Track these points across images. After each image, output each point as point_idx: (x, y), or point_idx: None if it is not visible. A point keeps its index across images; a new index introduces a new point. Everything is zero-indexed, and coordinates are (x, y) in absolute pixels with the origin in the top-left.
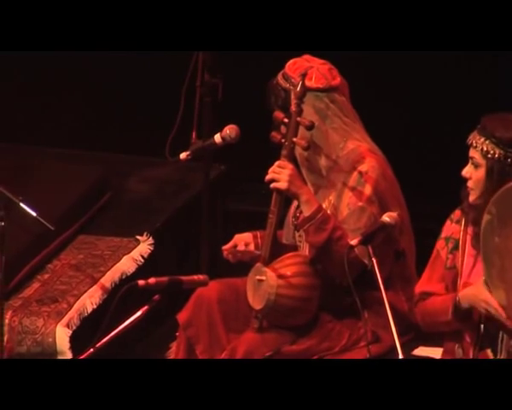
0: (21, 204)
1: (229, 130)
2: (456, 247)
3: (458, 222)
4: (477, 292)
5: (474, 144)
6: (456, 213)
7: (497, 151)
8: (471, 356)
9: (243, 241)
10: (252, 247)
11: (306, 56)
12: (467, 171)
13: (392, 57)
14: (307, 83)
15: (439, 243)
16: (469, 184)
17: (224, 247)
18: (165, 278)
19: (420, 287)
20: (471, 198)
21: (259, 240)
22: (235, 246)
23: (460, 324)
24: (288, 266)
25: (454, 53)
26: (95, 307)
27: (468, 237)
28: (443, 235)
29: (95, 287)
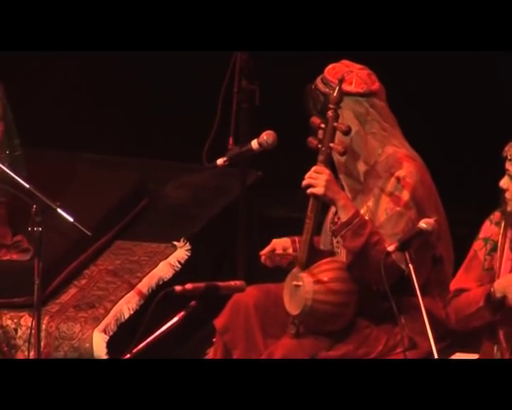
0: (59, 210)
1: (266, 136)
2: (494, 249)
3: (498, 224)
4: None
5: (509, 157)
6: (496, 215)
7: None
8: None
9: (281, 245)
10: (290, 251)
11: (345, 61)
12: (504, 182)
13: (426, 62)
14: (347, 88)
15: (477, 244)
16: (507, 194)
17: (262, 251)
18: (201, 284)
19: (454, 285)
20: (509, 208)
21: (297, 245)
22: (273, 250)
23: (492, 314)
24: (325, 271)
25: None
26: (132, 312)
27: (507, 241)
28: (481, 235)
29: (132, 293)
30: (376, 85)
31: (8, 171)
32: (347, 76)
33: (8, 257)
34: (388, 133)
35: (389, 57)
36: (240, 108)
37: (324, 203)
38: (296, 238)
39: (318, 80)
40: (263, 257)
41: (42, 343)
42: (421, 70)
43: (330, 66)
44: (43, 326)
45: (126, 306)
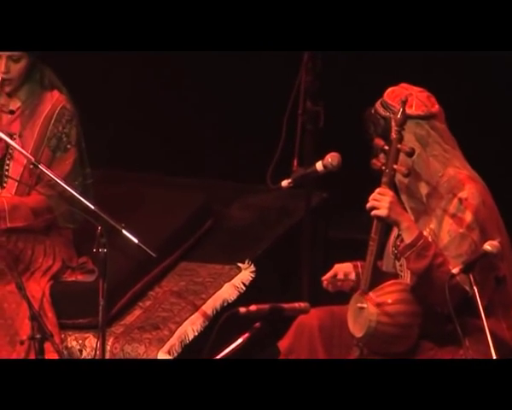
0: (124, 231)
1: (331, 157)
2: None
3: None
4: None
5: None
6: None
7: None
8: None
9: (343, 270)
10: (352, 276)
11: (404, 84)
12: None
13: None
14: (408, 110)
15: None
16: None
17: (324, 277)
18: (266, 306)
19: None
20: None
21: (360, 269)
22: (335, 276)
23: None
24: (389, 293)
25: None
26: (196, 334)
27: None
28: None
29: (196, 314)
30: (436, 107)
31: (79, 197)
32: (407, 99)
33: (73, 278)
34: (450, 155)
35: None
36: (304, 129)
37: (388, 225)
38: (358, 263)
39: (378, 104)
40: (325, 282)
41: None
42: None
43: (389, 89)
44: (108, 347)
45: (191, 327)
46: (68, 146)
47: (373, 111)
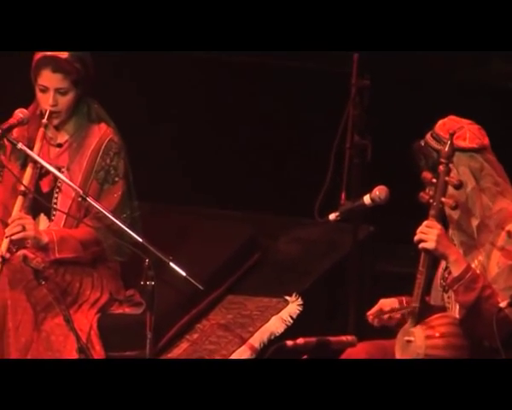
0: (171, 264)
1: (379, 191)
2: None
3: None
4: None
5: None
6: None
7: None
8: None
9: (389, 306)
10: (397, 312)
11: (452, 117)
12: None
13: None
14: (461, 143)
15: None
16: None
17: (369, 312)
18: (313, 339)
19: None
20: None
21: (405, 305)
22: (381, 311)
23: None
24: (437, 326)
25: None
26: None
27: None
28: None
29: (243, 347)
30: (487, 140)
31: (127, 230)
32: (459, 131)
33: (120, 311)
34: (501, 188)
35: None
36: (352, 163)
37: (435, 258)
38: (404, 298)
39: (428, 136)
40: (370, 317)
41: None
42: None
43: (440, 122)
44: None
45: None
46: (116, 179)
47: (423, 143)
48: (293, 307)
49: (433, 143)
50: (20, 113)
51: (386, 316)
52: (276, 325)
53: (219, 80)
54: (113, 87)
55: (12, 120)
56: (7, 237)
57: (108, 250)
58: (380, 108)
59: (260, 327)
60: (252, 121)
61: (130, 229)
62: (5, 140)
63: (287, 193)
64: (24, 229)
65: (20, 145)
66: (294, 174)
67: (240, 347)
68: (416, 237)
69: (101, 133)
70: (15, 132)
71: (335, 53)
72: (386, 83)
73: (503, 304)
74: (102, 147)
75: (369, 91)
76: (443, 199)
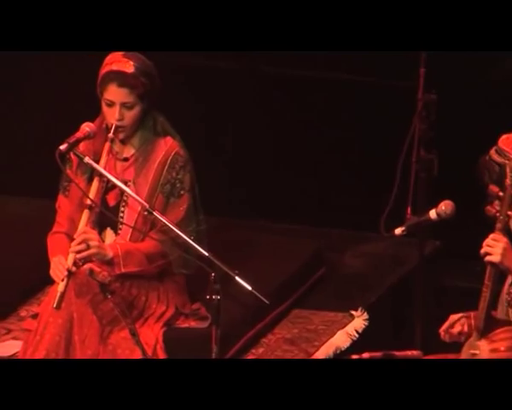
0: (237, 278)
1: (445, 206)
2: None
3: None
4: None
5: None
6: None
7: None
8: None
9: (458, 321)
10: (465, 328)
11: None
12: None
13: None
14: None
15: None
16: None
17: (441, 328)
18: (378, 353)
19: None
20: None
21: (472, 320)
22: (451, 326)
23: None
24: (502, 340)
25: None
26: None
27: None
28: None
29: None
30: None
31: (193, 243)
32: None
33: (186, 325)
34: None
35: None
36: (418, 177)
37: (502, 272)
38: (471, 313)
39: (492, 151)
40: (442, 333)
41: None
42: None
43: (504, 136)
44: None
45: None
46: (182, 192)
47: (487, 158)
48: (359, 321)
49: (497, 158)
50: (86, 127)
51: (456, 331)
52: (341, 339)
53: (282, 94)
54: (176, 101)
55: (78, 134)
56: (72, 253)
57: (174, 263)
58: (446, 122)
59: (326, 342)
60: (318, 136)
61: (195, 242)
62: (72, 154)
63: (353, 207)
64: (88, 247)
65: (86, 159)
66: (361, 189)
67: None
68: (482, 251)
69: (167, 147)
70: (82, 146)
71: (402, 67)
72: (453, 97)
73: None
74: (168, 160)
75: (436, 106)
76: (509, 212)
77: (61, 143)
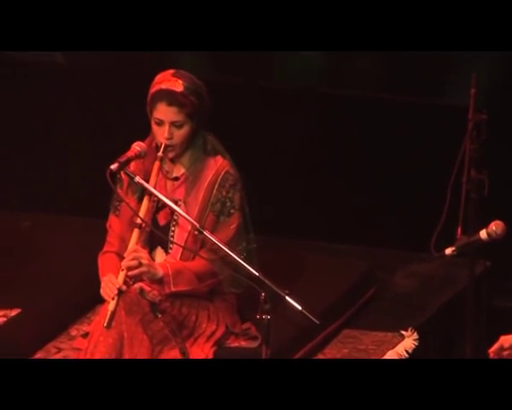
0: (287, 298)
1: (495, 226)
2: None
3: None
4: None
5: None
6: None
7: None
8: None
9: (509, 342)
10: None
11: None
12: None
13: None
14: None
15: None
16: None
17: (490, 349)
18: None
19: None
20: None
21: None
22: (501, 348)
23: None
24: None
25: None
26: None
27: None
28: None
29: None
30: None
31: (243, 263)
32: None
33: (236, 344)
34: None
35: None
36: (468, 197)
37: None
38: None
39: None
40: (491, 354)
41: None
42: None
43: None
44: None
45: None
46: (232, 211)
47: None
48: (409, 341)
49: None
50: (137, 146)
51: (506, 353)
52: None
53: (335, 115)
54: (227, 119)
55: (129, 154)
56: (123, 270)
57: (225, 282)
58: (497, 141)
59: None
60: (369, 156)
61: (245, 261)
62: (122, 173)
63: (403, 227)
64: (139, 264)
65: (137, 179)
66: (411, 209)
67: None
68: None
69: (218, 166)
70: (132, 166)
71: (452, 88)
72: (503, 117)
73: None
74: (219, 179)
75: (487, 125)
76: None
77: (112, 163)
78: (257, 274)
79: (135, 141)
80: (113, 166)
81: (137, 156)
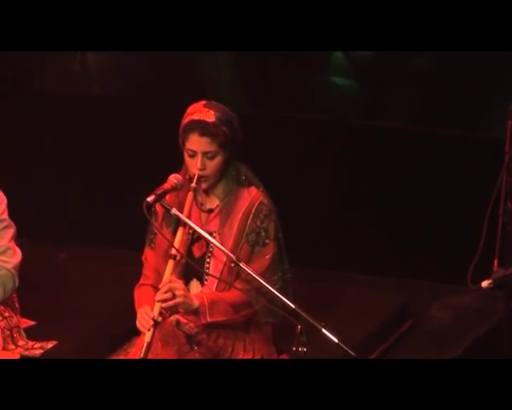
0: (323, 330)
1: None
2: None
3: None
4: None
5: None
6: None
7: None
8: None
9: None
10: None
11: None
12: None
13: None
14: None
15: None
16: None
17: None
18: None
19: None
20: None
21: None
22: None
23: None
24: None
25: None
26: None
27: None
28: None
29: None
30: None
31: (276, 292)
32: None
33: None
34: None
35: None
36: (505, 230)
37: None
38: None
39: None
40: None
41: None
42: None
43: None
44: None
45: None
46: (267, 241)
47: None
48: None
49: None
50: (174, 178)
51: None
52: None
53: (371, 146)
54: (260, 150)
55: (166, 186)
56: (158, 302)
57: (260, 312)
58: None
59: None
60: (405, 190)
61: (281, 292)
62: (157, 206)
63: (439, 260)
64: (174, 296)
65: (173, 211)
66: (448, 241)
67: None
68: None
69: (252, 196)
70: (167, 198)
71: (489, 121)
72: None
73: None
74: (253, 210)
75: None
76: None
77: (148, 195)
78: (293, 306)
79: (170, 173)
80: (150, 199)
81: (174, 189)
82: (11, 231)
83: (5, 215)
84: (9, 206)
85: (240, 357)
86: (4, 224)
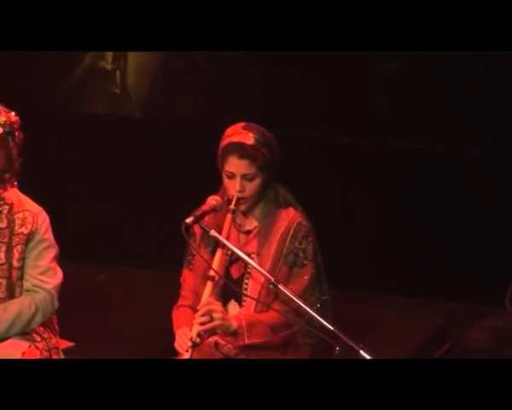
0: (361, 352)
1: None
2: None
3: None
4: None
5: None
6: None
7: None
8: None
9: None
10: None
11: None
12: None
13: None
14: None
15: None
16: None
17: None
18: None
19: None
20: None
21: None
22: None
23: None
24: None
25: None
26: None
27: None
28: None
29: None
30: None
31: (314, 314)
32: None
33: None
34: None
35: None
36: None
37: None
38: None
39: None
40: None
41: None
42: None
43: None
44: None
45: None
46: (305, 262)
47: None
48: None
49: None
50: (213, 200)
51: None
52: None
53: (407, 168)
54: (299, 171)
55: (205, 207)
56: (196, 324)
57: (299, 334)
58: None
59: None
60: (442, 210)
61: (319, 313)
62: (196, 227)
63: (478, 282)
64: (212, 318)
65: (212, 232)
66: (485, 263)
67: None
68: None
69: (290, 217)
70: (205, 219)
71: None
72: None
73: None
74: (291, 231)
75: None
76: None
77: (186, 217)
78: (331, 328)
79: (208, 195)
80: (188, 220)
81: (212, 210)
82: (53, 252)
83: (47, 235)
84: (52, 226)
85: None
86: (46, 244)
